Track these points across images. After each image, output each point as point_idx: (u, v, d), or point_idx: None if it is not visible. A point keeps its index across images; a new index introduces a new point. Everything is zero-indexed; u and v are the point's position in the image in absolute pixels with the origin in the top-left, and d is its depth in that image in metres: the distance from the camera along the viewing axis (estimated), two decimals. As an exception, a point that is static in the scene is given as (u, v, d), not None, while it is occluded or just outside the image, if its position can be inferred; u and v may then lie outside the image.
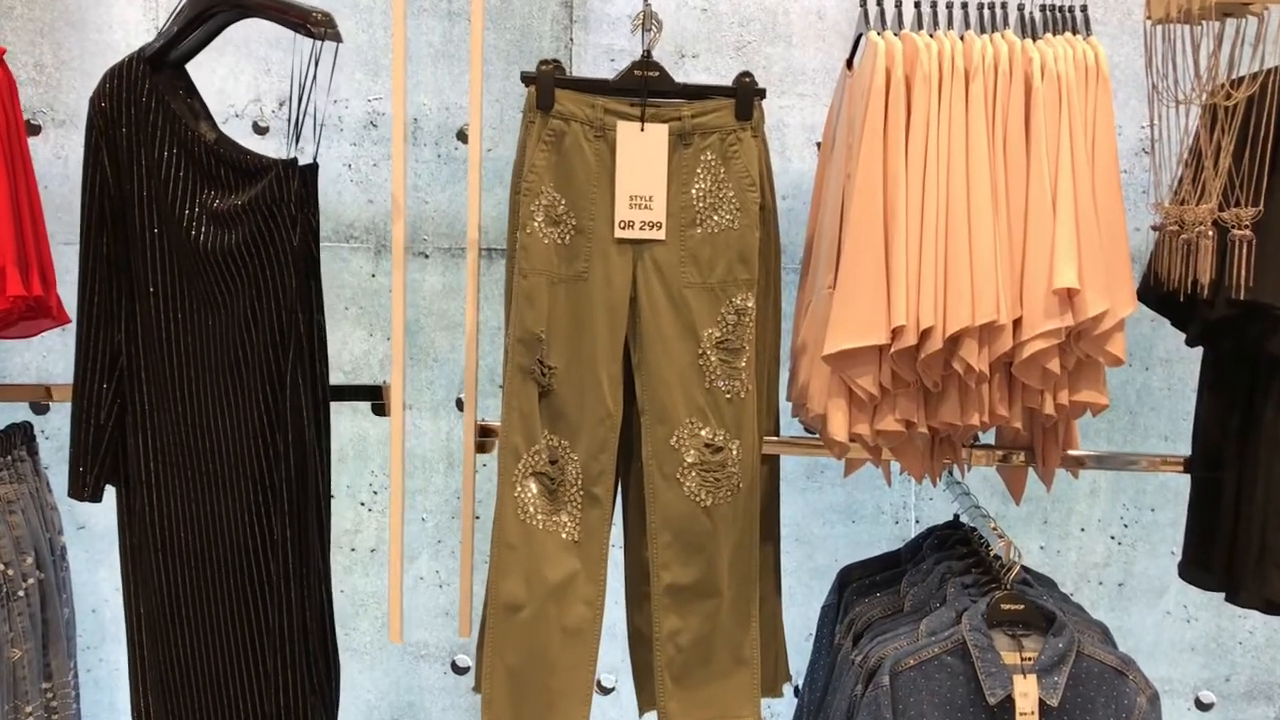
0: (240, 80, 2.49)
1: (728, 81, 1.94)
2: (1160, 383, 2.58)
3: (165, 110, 1.83)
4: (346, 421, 2.55)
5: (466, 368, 2.06)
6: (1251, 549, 1.96)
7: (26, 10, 2.47)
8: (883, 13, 1.84)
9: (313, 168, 1.86)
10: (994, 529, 1.95)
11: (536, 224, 1.89)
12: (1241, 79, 1.80)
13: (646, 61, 1.90)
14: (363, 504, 2.61)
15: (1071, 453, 2.03)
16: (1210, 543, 2.04)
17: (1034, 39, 1.82)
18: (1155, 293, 1.97)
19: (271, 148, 2.30)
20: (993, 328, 1.77)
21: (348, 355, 2.56)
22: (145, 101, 1.83)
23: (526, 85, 1.89)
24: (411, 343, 2.54)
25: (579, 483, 1.94)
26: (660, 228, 1.90)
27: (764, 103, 1.94)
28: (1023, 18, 1.84)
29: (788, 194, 2.45)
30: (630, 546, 2.06)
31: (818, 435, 1.99)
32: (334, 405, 2.34)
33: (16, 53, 2.46)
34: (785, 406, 2.11)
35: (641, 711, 2.11)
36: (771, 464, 2.09)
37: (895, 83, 1.78)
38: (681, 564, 1.95)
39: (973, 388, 1.82)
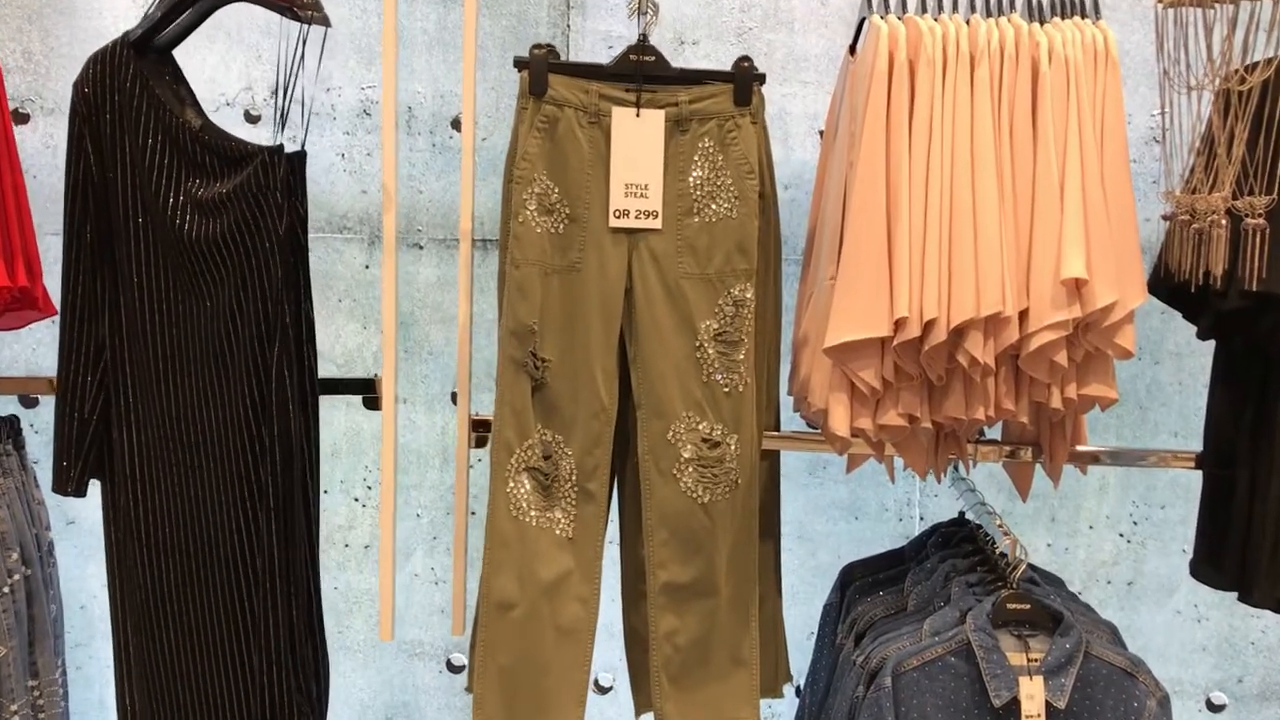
0: (231, 68, 2.47)
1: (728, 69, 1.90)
2: (1171, 377, 2.55)
3: (150, 96, 1.80)
4: (340, 415, 2.53)
5: (459, 361, 2.04)
6: (1265, 547, 1.93)
7: (14, -4, 2.46)
8: (886, -4, 1.81)
9: (300, 155, 1.83)
10: (1000, 526, 1.93)
11: (529, 213, 1.86)
12: (1256, 64, 1.77)
13: (642, 46, 1.87)
14: (356, 499, 2.59)
15: (1080, 448, 2.00)
16: (1222, 541, 2.02)
17: (1041, 22, 1.79)
18: (1165, 284, 1.94)
19: (263, 136, 2.28)
20: (998, 319, 1.74)
21: (341, 348, 2.54)
22: (129, 87, 1.80)
23: (519, 70, 1.86)
24: (406, 336, 2.53)
25: (573, 478, 1.91)
26: (656, 216, 1.87)
27: (766, 91, 1.91)
28: (1029, 1, 1.82)
29: (790, 184, 2.44)
30: (626, 544, 2.04)
31: (819, 430, 1.97)
32: (328, 399, 2.32)
33: (4, 40, 2.44)
34: (787, 401, 2.09)
35: (638, 712, 2.09)
36: (772, 460, 2.06)
37: (898, 67, 1.75)
38: (678, 562, 1.92)
39: (978, 381, 1.80)
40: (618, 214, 1.86)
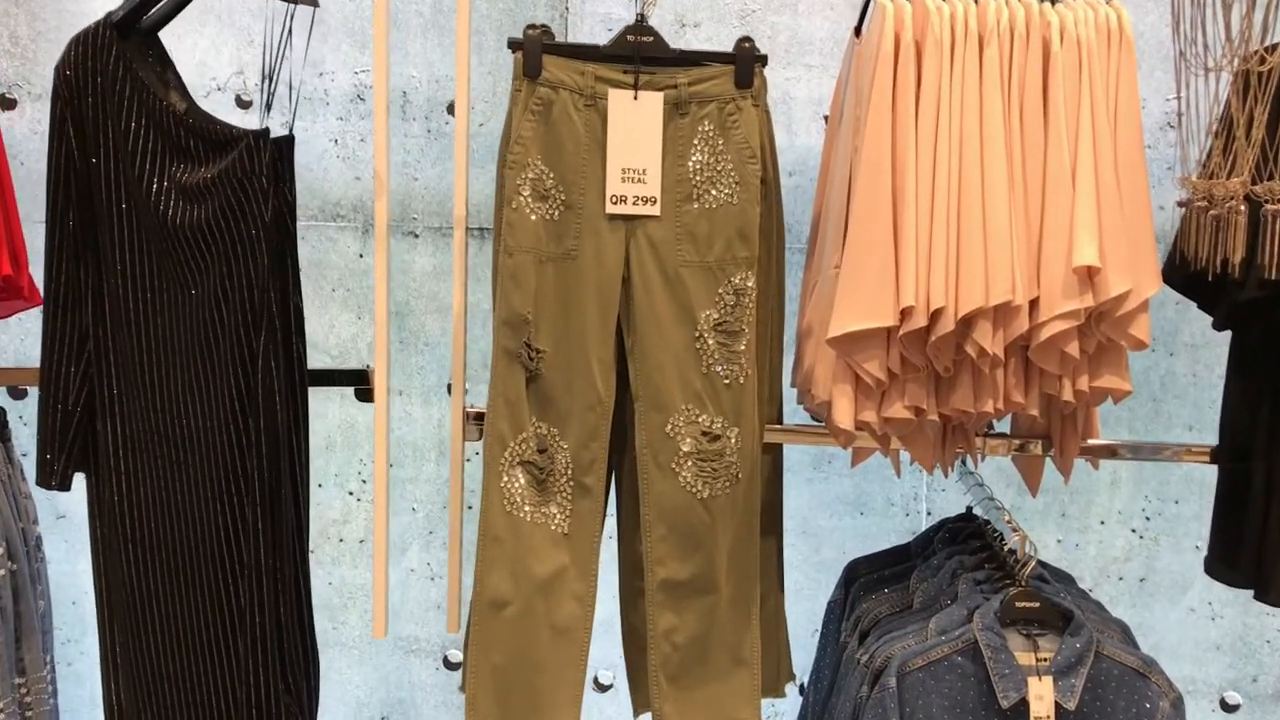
0: (222, 52, 2.44)
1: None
2: (1185, 368, 2.53)
3: (133, 79, 1.77)
4: (335, 407, 2.51)
5: (454, 352, 2.01)
6: (1282, 544, 1.90)
7: (1, -21, 2.44)
8: (893, -24, 1.76)
9: (288, 139, 1.81)
10: (1008, 522, 1.90)
11: (523, 199, 1.83)
12: (1277, 44, 1.74)
13: (640, 26, 1.83)
14: (351, 493, 2.58)
15: (1091, 442, 1.98)
16: (1237, 537, 1.99)
17: (1053, 2, 1.76)
18: (1181, 273, 1.91)
19: (255, 122, 2.25)
20: (1008, 308, 1.71)
21: (335, 339, 2.52)
22: (112, 70, 1.77)
23: (513, 51, 1.83)
24: (401, 326, 2.51)
25: (569, 472, 1.89)
26: (654, 203, 1.83)
27: (769, 75, 1.88)
28: (1041, -21, 1.77)
29: (794, 170, 2.42)
30: (624, 540, 2.01)
31: (823, 423, 1.94)
32: (323, 390, 2.33)
33: (-10, 24, 2.42)
34: (790, 393, 2.06)
35: (636, 712, 2.06)
36: (774, 453, 2.04)
37: (904, 48, 1.72)
38: (677, 558, 1.89)
39: (986, 373, 1.76)
40: (615, 200, 1.83)
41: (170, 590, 1.85)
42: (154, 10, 1.82)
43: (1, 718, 1.96)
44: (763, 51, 1.85)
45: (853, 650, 1.95)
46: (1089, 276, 1.70)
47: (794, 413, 2.08)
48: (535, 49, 1.80)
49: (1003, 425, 2.04)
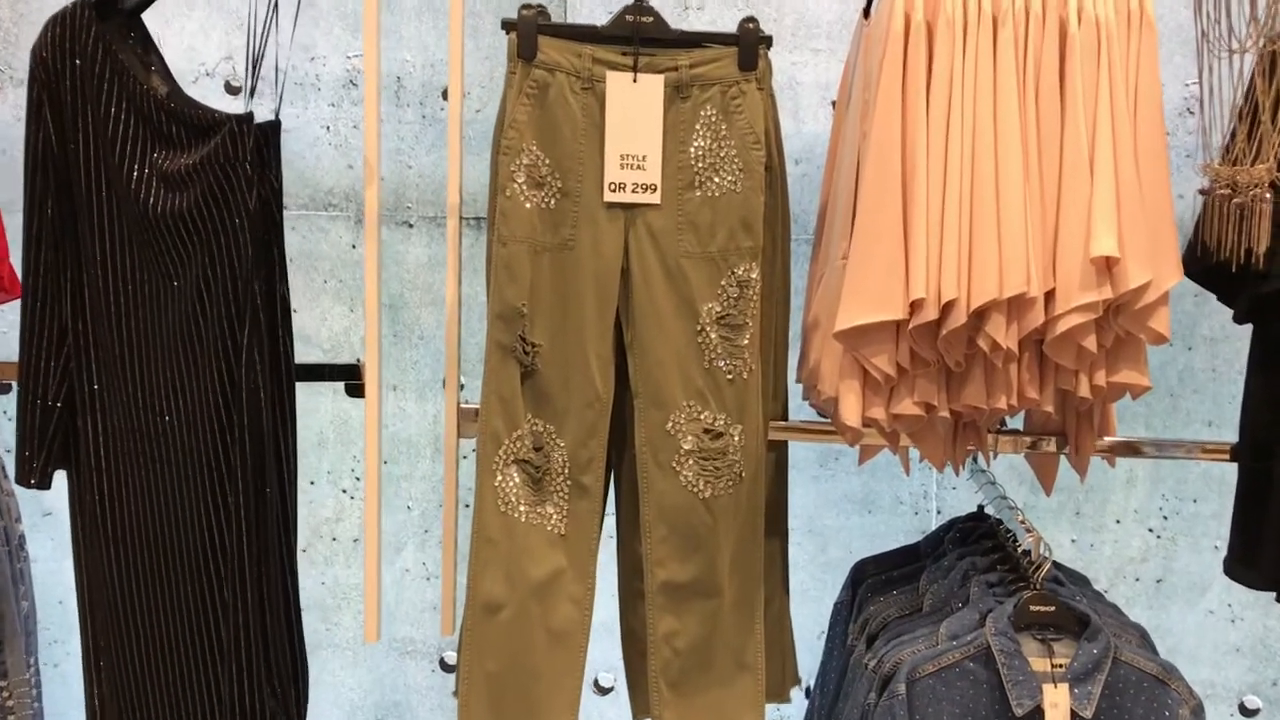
0: (211, 37, 2.41)
1: (734, 36, 1.83)
2: (1204, 363, 2.50)
3: (113, 62, 1.74)
4: (327, 403, 2.48)
5: (448, 345, 1.98)
6: (1305, 545, 1.86)
7: (-17, -38, 2.40)
8: (903, -47, 1.73)
9: (274, 124, 1.77)
10: (1022, 522, 1.87)
11: (517, 186, 1.79)
12: (1304, 24, 1.70)
13: (640, 5, 1.79)
14: (344, 491, 2.54)
15: (1107, 439, 1.96)
16: (1258, 537, 1.95)
17: (1071, -20, 1.72)
18: (1201, 264, 1.87)
19: (243, 109, 2.23)
20: (1022, 301, 1.68)
21: (327, 332, 2.49)
22: (91, 52, 1.73)
23: (507, 32, 1.79)
24: (395, 319, 2.48)
25: (566, 471, 1.85)
26: (655, 190, 1.80)
27: (774, 59, 1.85)
28: (1058, -42, 1.73)
29: (801, 158, 2.39)
30: (623, 541, 1.97)
31: (829, 420, 1.90)
32: (315, 385, 2.29)
33: (-28, 8, 2.38)
34: (795, 389, 2.03)
35: (636, 718, 2.02)
36: (779, 451, 2.01)
37: (915, 29, 1.68)
38: (678, 560, 1.86)
39: (1000, 367, 1.74)
40: (613, 187, 1.79)
41: (153, 591, 1.82)
42: (135, -9, 1.78)
43: (-19, 723, 1.94)
44: (767, 33, 1.81)
45: (860, 654, 1.92)
46: (1107, 267, 1.68)
47: (799, 408, 2.04)
48: (530, 30, 1.77)
49: (1015, 421, 2.01)
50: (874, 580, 2.06)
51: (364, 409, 1.96)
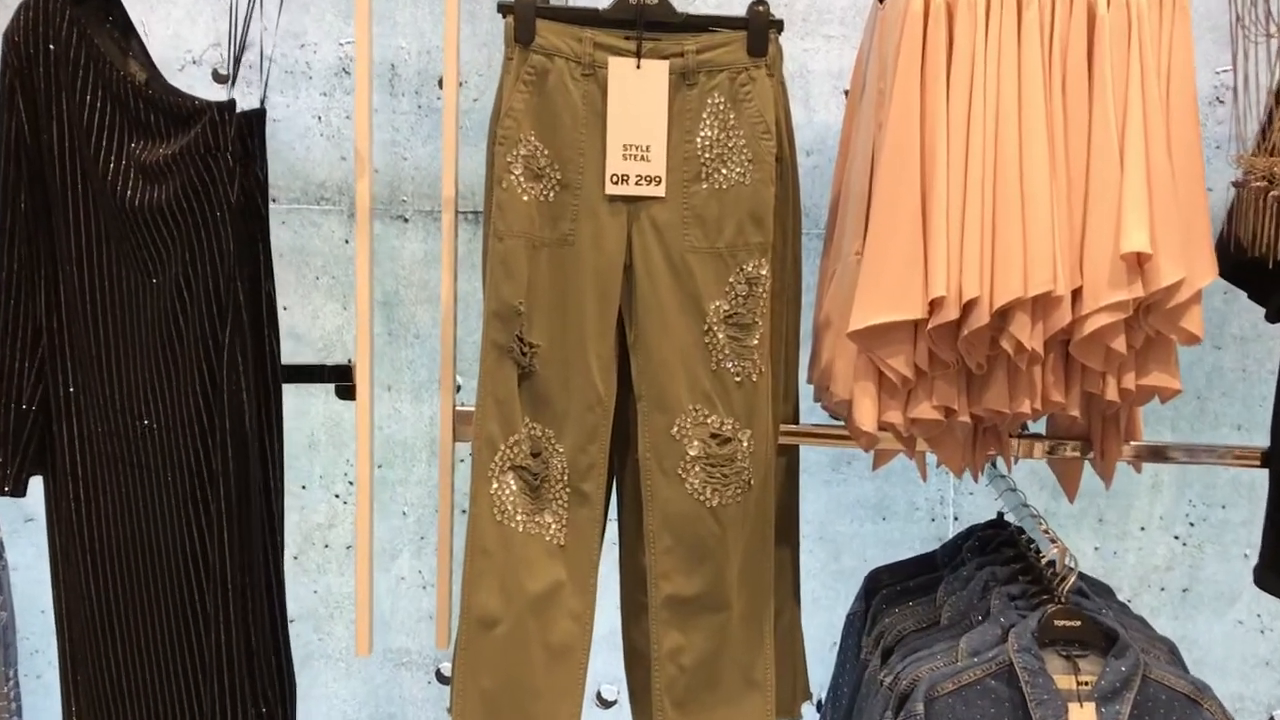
0: (198, 23, 2.36)
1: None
2: (1234, 364, 2.46)
3: (89, 47, 1.69)
4: (319, 404, 2.44)
5: (443, 345, 1.93)
6: (1342, 554, 1.82)
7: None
8: (921, -68, 1.69)
9: (258, 113, 1.72)
10: (1045, 532, 1.82)
11: (514, 178, 1.74)
12: (1347, 6, 1.66)
13: (644, -13, 1.75)
14: (337, 496, 2.50)
15: (1134, 444, 1.91)
16: None
17: (1099, -41, 1.68)
18: (1232, 260, 1.84)
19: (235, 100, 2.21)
20: (1048, 299, 1.64)
21: (319, 330, 2.45)
22: (65, 37, 1.69)
23: (503, 15, 1.74)
24: (390, 317, 2.44)
25: (565, 478, 1.80)
26: (659, 182, 1.75)
27: (785, 47, 1.80)
28: (1086, -65, 1.69)
29: (812, 149, 2.35)
30: (626, 551, 1.92)
31: (843, 423, 1.86)
32: (306, 386, 2.25)
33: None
34: (806, 390, 1.99)
35: (639, 735, 1.98)
36: (789, 456, 1.96)
37: (934, 11, 1.64)
38: (684, 573, 1.81)
39: (1023, 370, 1.70)
40: (615, 179, 1.74)
41: (131, 602, 1.78)
42: (114, -27, 1.74)
43: (-44, 739, 1.90)
44: (778, 17, 1.76)
45: (875, 669, 1.87)
46: (1138, 264, 1.63)
47: (810, 410, 2.00)
48: (528, 13, 1.72)
49: (1037, 425, 1.96)
50: (889, 590, 2.02)
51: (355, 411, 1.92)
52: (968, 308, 1.63)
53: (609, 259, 1.76)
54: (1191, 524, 2.52)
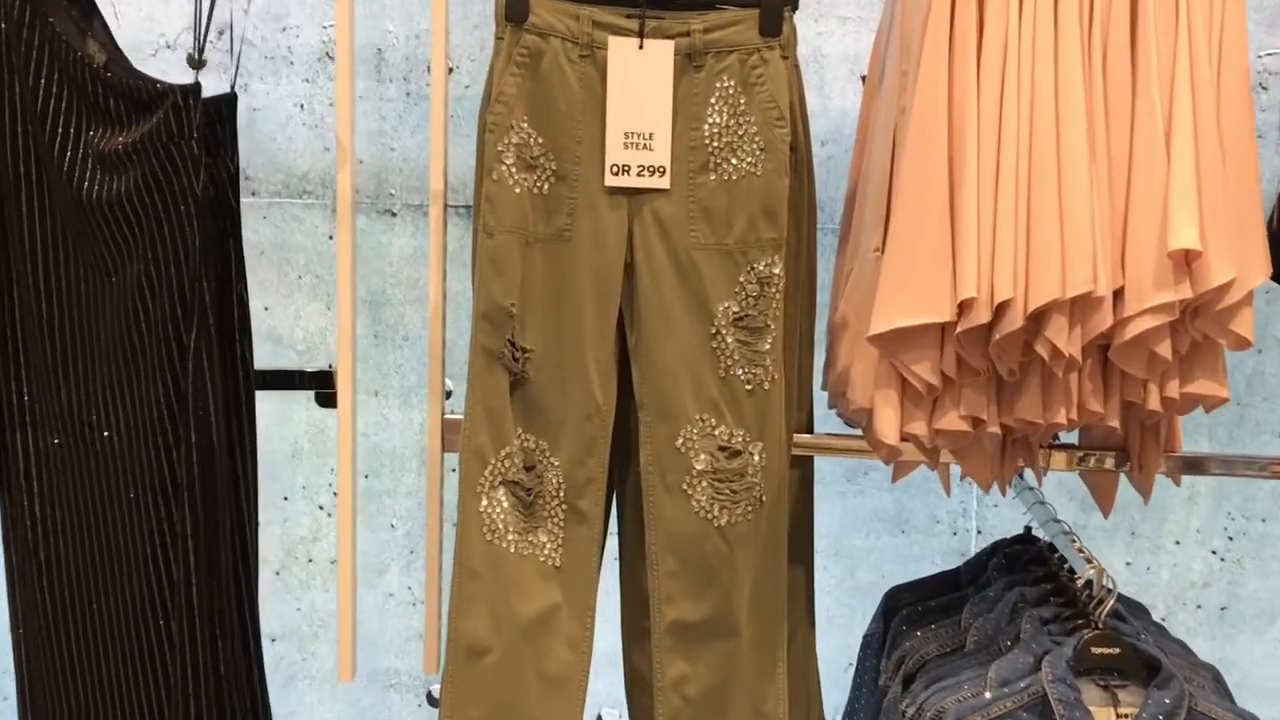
0: (171, 5, 2.31)
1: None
2: (1275, 368, 2.43)
3: (43, 27, 1.60)
4: (302, 411, 2.40)
5: (430, 348, 1.87)
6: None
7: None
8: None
9: (228, 98, 1.66)
10: (1079, 551, 1.75)
11: (505, 168, 1.67)
12: None
13: (648, -38, 1.68)
14: (321, 508, 2.46)
15: (1173, 454, 1.85)
16: None
17: (1144, -71, 1.63)
18: (1277, 257, 1.75)
19: (210, 85, 2.16)
20: (1088, 301, 1.58)
21: (301, 332, 2.40)
22: (18, 17, 1.61)
23: None
24: (377, 318, 2.40)
25: (561, 494, 1.73)
26: (663, 173, 1.68)
27: (799, 28, 1.73)
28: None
29: (827, 139, 2.32)
30: (627, 572, 1.85)
31: (860, 431, 1.80)
32: (288, 392, 2.18)
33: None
34: (820, 396, 1.92)
35: (643, 767, 1.91)
36: (803, 467, 1.89)
37: None
38: (690, 597, 1.73)
39: (1059, 377, 1.64)
40: (615, 170, 1.67)
41: (91, 627, 1.71)
42: (72, -53, 1.66)
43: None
44: (790, -1, 1.70)
45: (895, 697, 1.80)
46: (1186, 263, 1.57)
47: (824, 418, 1.93)
48: (520, -13, 1.65)
49: (1068, 434, 1.87)
50: (909, 611, 1.95)
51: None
52: (1000, 310, 1.57)
53: (608, 256, 1.69)
54: (1230, 538, 2.48)
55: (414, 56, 2.33)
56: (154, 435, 1.64)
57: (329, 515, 2.45)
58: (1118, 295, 1.58)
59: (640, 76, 1.66)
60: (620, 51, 1.65)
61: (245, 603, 1.74)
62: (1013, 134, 1.57)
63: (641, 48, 1.66)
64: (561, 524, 1.73)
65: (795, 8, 1.69)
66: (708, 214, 1.69)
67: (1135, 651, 1.65)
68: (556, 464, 1.72)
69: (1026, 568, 1.89)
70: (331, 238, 2.37)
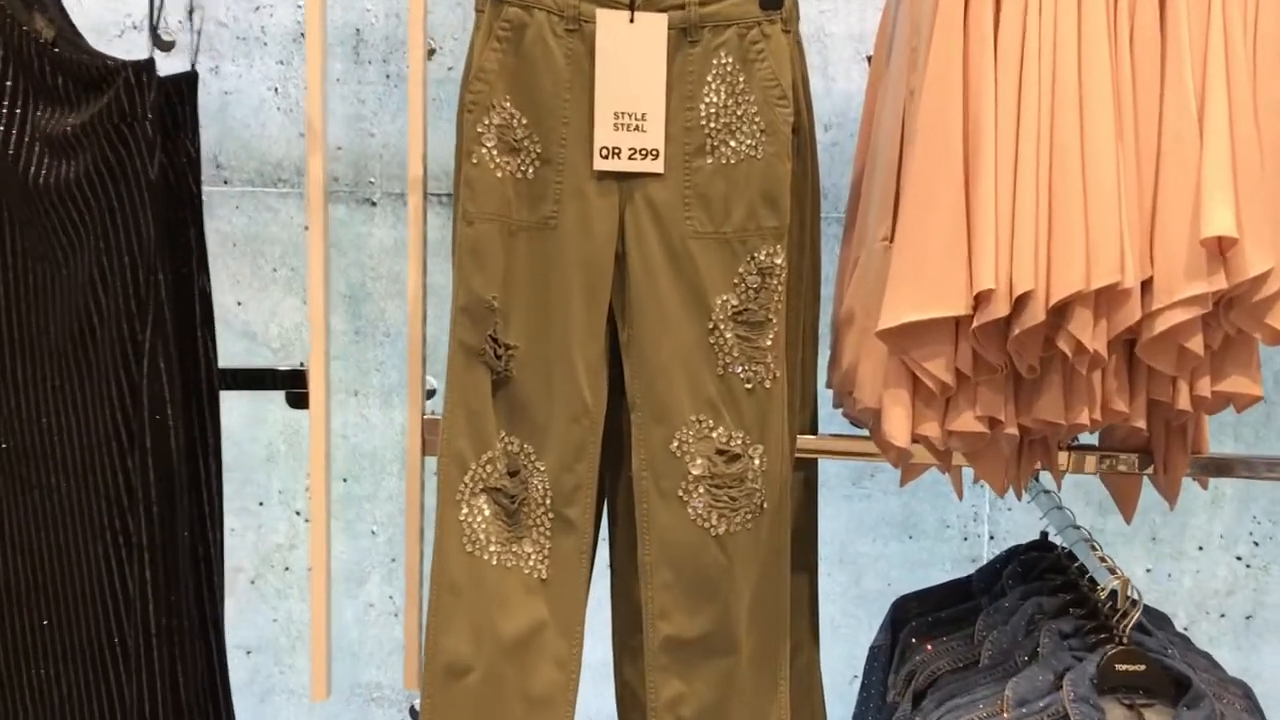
0: None
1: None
2: None
3: None
4: (277, 411, 2.35)
5: (409, 344, 1.82)
6: None
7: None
8: None
9: (188, 77, 1.59)
10: (1102, 560, 1.70)
11: (486, 151, 1.62)
12: None
13: (637, -72, 1.63)
14: (298, 513, 2.42)
15: (1200, 456, 1.80)
16: None
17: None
18: None
19: (176, 66, 2.11)
20: (1114, 293, 1.52)
21: (277, 328, 2.36)
22: None
23: None
24: (356, 313, 2.36)
25: (547, 502, 1.68)
26: (656, 156, 1.63)
27: (801, 8, 1.70)
28: None
29: (831, 123, 2.30)
30: (619, 585, 1.80)
31: (867, 432, 1.78)
32: (263, 392, 2.15)
33: None
34: (824, 395, 1.88)
35: (635, 790, 1.87)
36: (807, 471, 1.84)
37: None
38: (686, 612, 1.69)
39: (1083, 374, 1.59)
40: (605, 153, 1.63)
41: (41, 647, 1.65)
42: (20, -84, 1.60)
43: None
44: (793, -30, 1.66)
45: (905, 716, 1.76)
46: (1220, 251, 1.51)
47: (829, 417, 1.89)
48: (502, -43, 1.61)
49: (1087, 434, 1.83)
50: (919, 622, 1.90)
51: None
52: (1020, 303, 1.51)
53: (598, 246, 1.64)
54: (1256, 543, 2.45)
55: (394, 36, 2.30)
56: (108, 440, 1.58)
57: (306, 521, 2.41)
58: (1146, 287, 1.53)
59: (631, 52, 1.61)
60: (610, 25, 1.61)
61: (209, 619, 1.68)
62: (1033, 114, 1.51)
63: (633, 21, 1.61)
64: (548, 534, 1.69)
65: (798, -21, 1.64)
66: (704, 200, 1.64)
67: (1163, 668, 1.60)
68: (542, 469, 1.68)
69: (1043, 576, 1.84)
70: (308, 229, 2.31)
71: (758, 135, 1.63)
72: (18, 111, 1.53)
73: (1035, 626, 1.72)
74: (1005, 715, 1.59)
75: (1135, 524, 2.26)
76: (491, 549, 1.67)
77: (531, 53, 1.60)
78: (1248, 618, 2.46)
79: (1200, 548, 2.45)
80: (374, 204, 2.34)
